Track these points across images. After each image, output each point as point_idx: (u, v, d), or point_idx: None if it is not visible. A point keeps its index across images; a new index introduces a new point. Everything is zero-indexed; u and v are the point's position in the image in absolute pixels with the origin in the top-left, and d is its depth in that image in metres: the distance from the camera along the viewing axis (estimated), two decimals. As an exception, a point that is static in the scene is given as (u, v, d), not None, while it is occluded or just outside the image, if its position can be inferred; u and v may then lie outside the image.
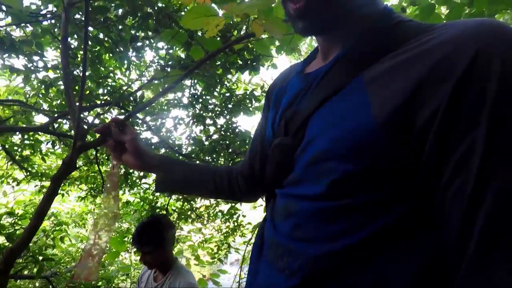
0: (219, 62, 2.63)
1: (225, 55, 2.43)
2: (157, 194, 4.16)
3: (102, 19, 2.11)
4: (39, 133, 3.02)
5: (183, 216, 3.83)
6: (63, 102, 2.82)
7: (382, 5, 0.48)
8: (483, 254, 0.30)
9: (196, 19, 0.96)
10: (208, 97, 3.24)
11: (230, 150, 3.00)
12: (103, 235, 0.73)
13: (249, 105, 3.11)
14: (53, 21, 2.17)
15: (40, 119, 3.20)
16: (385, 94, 0.37)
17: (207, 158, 3.12)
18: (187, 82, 3.05)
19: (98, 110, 2.81)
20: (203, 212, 4.04)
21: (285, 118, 0.50)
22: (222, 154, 3.10)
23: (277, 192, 0.51)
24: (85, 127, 1.90)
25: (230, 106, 3.14)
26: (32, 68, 2.43)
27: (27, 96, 3.03)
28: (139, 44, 2.45)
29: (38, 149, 3.30)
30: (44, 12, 2.13)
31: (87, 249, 0.71)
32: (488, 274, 0.30)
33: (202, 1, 1.10)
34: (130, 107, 2.79)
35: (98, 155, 3.09)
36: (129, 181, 3.45)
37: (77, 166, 2.58)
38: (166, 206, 3.78)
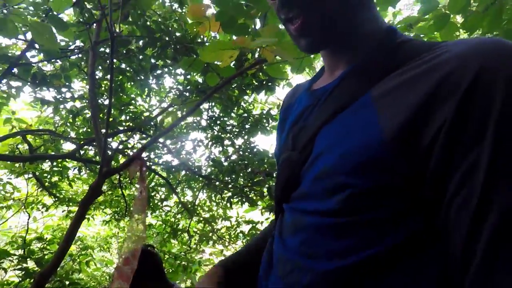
0: (235, 84, 2.69)
1: (241, 77, 2.50)
2: (178, 216, 4.20)
3: (124, 51, 2.24)
4: (67, 160, 3.16)
5: (204, 238, 3.82)
6: (89, 130, 2.97)
7: (385, 24, 0.50)
8: (486, 271, 0.30)
9: (213, 53, 1.04)
10: (225, 119, 3.31)
11: (249, 169, 3.01)
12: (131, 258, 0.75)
13: (266, 124, 3.15)
14: (80, 55, 2.33)
15: (67, 146, 3.36)
16: (393, 110, 0.38)
17: (226, 178, 3.15)
18: (205, 105, 3.14)
19: (121, 136, 2.93)
20: (224, 234, 4.02)
21: (293, 133, 0.51)
22: (241, 174, 3.12)
23: (285, 207, 0.51)
24: (109, 152, 1.99)
25: (247, 126, 3.19)
26: (61, 99, 2.59)
27: (56, 125, 3.21)
28: (158, 72, 2.58)
29: (66, 175, 3.45)
30: (72, 47, 2.29)
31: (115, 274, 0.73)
32: None
33: (216, 30, 1.17)
34: (151, 131, 2.90)
35: (122, 179, 3.19)
36: (151, 203, 3.52)
37: (102, 190, 2.67)
38: (187, 228, 3.80)
